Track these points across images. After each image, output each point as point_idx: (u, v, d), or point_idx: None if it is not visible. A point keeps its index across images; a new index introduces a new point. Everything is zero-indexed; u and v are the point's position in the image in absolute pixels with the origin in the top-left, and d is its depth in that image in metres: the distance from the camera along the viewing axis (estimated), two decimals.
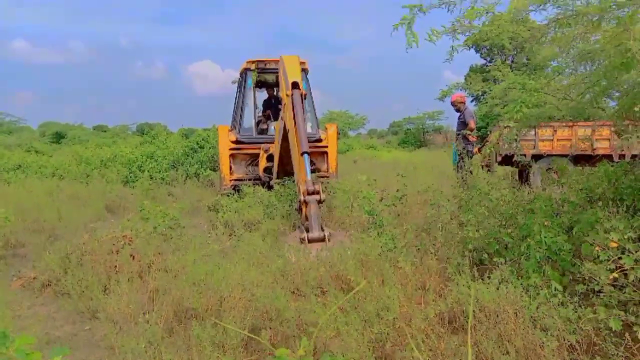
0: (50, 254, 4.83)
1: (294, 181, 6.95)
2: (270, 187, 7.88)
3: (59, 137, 34.43)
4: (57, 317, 4.03)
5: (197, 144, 14.14)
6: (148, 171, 12.55)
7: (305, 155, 5.50)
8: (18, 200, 8.31)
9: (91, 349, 3.40)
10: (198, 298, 3.47)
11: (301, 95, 5.97)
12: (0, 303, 3.68)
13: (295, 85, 5.99)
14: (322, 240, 4.76)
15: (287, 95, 6.02)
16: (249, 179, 8.69)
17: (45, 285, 4.62)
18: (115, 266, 4.46)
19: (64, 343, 3.51)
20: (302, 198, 5.12)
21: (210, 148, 13.66)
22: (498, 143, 10.29)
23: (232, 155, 8.86)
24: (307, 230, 4.91)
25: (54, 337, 3.62)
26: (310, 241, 4.76)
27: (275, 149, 7.80)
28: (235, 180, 8.85)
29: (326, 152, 9.09)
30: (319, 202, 5.10)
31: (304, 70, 9.22)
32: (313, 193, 5.10)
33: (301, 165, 5.54)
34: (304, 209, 5.15)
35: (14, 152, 16.59)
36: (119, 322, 3.56)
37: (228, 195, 7.85)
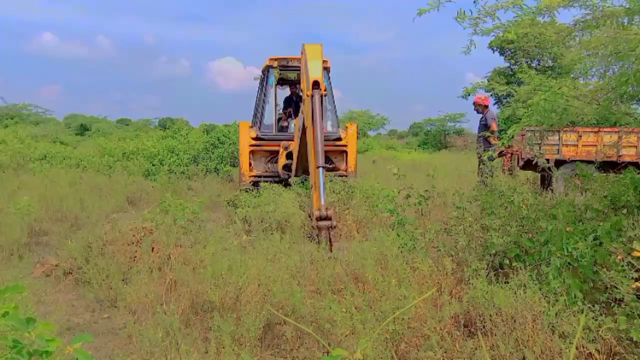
0: (73, 242, 4.93)
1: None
2: (288, 184, 7.91)
3: (83, 129, 35.07)
4: (77, 305, 4.12)
5: (218, 139, 14.28)
6: (169, 165, 12.71)
7: (320, 169, 5.41)
8: (42, 190, 8.50)
9: (110, 337, 3.47)
10: (215, 291, 3.51)
11: (321, 96, 5.87)
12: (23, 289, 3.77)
13: (315, 85, 5.84)
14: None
15: (307, 96, 5.95)
16: (268, 176, 8.73)
17: (67, 273, 4.72)
18: (135, 257, 4.54)
19: (84, 330, 3.58)
20: (314, 224, 5.14)
21: (230, 144, 13.79)
22: (511, 140, 10.11)
23: (252, 152, 8.92)
24: None
25: (74, 324, 3.70)
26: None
27: (294, 146, 7.81)
28: (255, 176, 8.90)
29: (346, 151, 9.08)
30: (330, 227, 5.09)
31: (326, 69, 9.22)
32: (325, 218, 5.08)
33: (316, 180, 5.45)
34: (315, 231, 5.20)
35: (39, 143, 16.94)
36: (138, 312, 3.62)
37: (247, 191, 7.91)
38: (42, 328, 1.46)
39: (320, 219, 5.08)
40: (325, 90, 5.95)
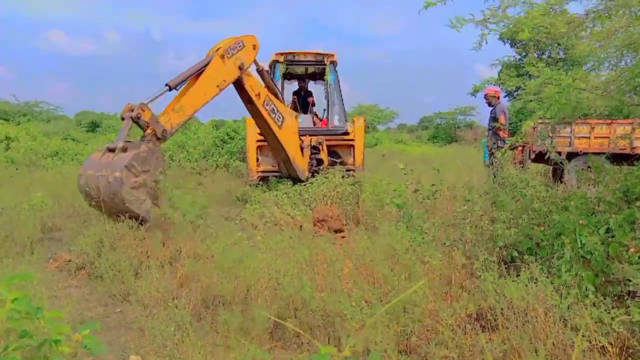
0: (85, 238, 4.98)
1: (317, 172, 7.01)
2: (299, 180, 7.86)
3: (94, 126, 35.26)
4: (90, 299, 4.16)
5: (227, 134, 14.30)
6: (179, 160, 12.77)
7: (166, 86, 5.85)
8: (55, 186, 8.57)
9: (122, 331, 3.50)
10: (225, 285, 3.53)
11: (214, 57, 6.29)
12: (37, 283, 3.82)
13: (217, 50, 6.44)
14: (113, 150, 5.21)
15: (207, 55, 6.47)
16: (276, 171, 8.72)
17: (80, 268, 4.77)
18: (147, 252, 4.57)
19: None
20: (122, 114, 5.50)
21: (240, 139, 13.80)
22: (525, 135, 10.04)
23: (259, 147, 8.90)
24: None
25: (87, 318, 3.73)
26: (109, 150, 5.27)
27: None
28: (262, 172, 8.90)
29: (353, 145, 9.05)
30: (134, 119, 5.38)
31: (333, 63, 9.20)
32: (131, 111, 5.41)
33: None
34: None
35: (51, 140, 17.09)
36: (149, 306, 3.65)
37: (256, 186, 7.92)
38: (50, 315, 1.48)
39: (129, 109, 5.43)
40: (223, 56, 6.41)
